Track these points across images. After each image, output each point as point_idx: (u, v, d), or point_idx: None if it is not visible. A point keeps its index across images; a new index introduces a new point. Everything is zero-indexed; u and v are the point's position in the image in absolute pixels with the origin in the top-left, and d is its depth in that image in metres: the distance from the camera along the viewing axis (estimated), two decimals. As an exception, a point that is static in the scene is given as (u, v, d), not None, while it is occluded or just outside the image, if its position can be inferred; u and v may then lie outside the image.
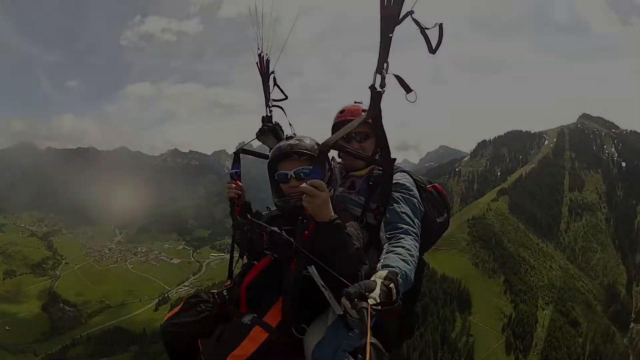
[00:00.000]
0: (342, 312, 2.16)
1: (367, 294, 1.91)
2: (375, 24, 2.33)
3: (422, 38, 2.37)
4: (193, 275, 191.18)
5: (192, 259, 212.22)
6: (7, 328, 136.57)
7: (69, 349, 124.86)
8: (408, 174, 3.15)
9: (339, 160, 3.46)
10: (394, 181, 2.94)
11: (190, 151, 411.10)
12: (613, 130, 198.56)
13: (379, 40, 2.34)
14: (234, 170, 3.37)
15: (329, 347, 2.45)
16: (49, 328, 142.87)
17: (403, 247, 2.51)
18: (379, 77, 2.40)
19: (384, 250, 2.53)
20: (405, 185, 2.97)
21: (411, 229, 2.68)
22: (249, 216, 3.03)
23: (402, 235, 2.61)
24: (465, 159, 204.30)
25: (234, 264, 3.14)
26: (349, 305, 1.90)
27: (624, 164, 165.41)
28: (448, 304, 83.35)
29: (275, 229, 2.57)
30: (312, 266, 2.27)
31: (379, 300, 1.89)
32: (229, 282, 3.05)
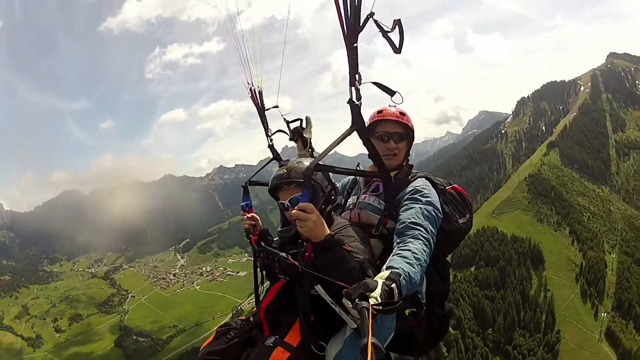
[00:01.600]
0: (355, 326, 2.42)
1: (367, 293, 2.00)
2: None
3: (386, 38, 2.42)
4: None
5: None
6: None
7: None
8: (427, 178, 3.31)
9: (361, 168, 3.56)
10: (411, 187, 3.16)
11: (235, 165, 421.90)
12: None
13: (346, 53, 2.36)
14: (244, 203, 3.63)
15: (348, 358, 2.60)
16: None
17: (409, 250, 2.59)
18: (353, 90, 2.45)
19: (392, 253, 2.66)
20: (421, 191, 3.10)
21: (422, 234, 2.77)
22: (262, 244, 3.30)
23: (411, 240, 2.72)
24: (509, 119, 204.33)
25: (259, 289, 3.50)
26: (350, 305, 2.00)
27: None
28: (522, 263, 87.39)
29: (283, 254, 2.82)
30: (318, 285, 2.46)
31: (379, 300, 2.00)
32: (255, 309, 3.37)
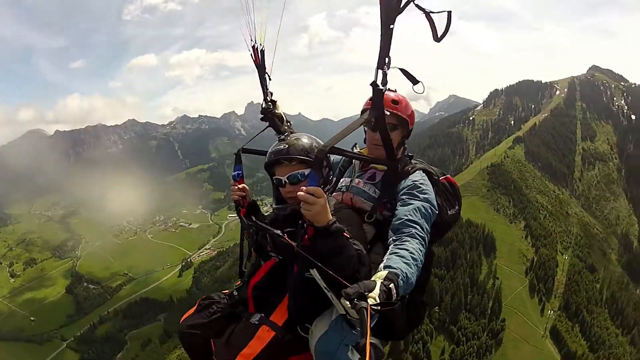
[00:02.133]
0: (345, 312, 2.26)
1: (366, 293, 1.97)
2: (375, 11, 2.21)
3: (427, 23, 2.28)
4: (213, 238, 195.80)
5: (211, 222, 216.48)
6: (32, 319, 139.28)
7: (97, 327, 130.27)
8: (424, 170, 3.18)
9: (358, 149, 3.45)
10: (409, 181, 3.04)
11: (199, 116, 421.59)
12: (622, 83, 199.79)
13: (380, 33, 2.24)
14: (235, 172, 3.31)
15: (332, 341, 2.55)
16: (74, 310, 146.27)
17: (407, 250, 2.54)
18: (380, 73, 2.35)
19: (388, 251, 2.58)
20: (419, 187, 2.99)
21: (418, 232, 2.70)
22: (253, 218, 3.06)
23: (408, 238, 2.64)
24: (479, 107, 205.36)
25: (243, 263, 3.27)
26: (349, 305, 1.96)
27: (633, 117, 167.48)
28: (475, 247, 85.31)
29: (278, 232, 2.64)
30: (314, 269, 2.34)
31: (378, 300, 1.96)
32: (239, 282, 3.19)
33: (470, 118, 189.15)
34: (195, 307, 3.11)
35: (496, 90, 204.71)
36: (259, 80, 3.62)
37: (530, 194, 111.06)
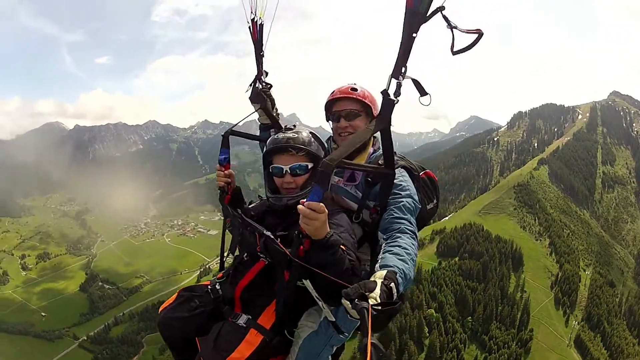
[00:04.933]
0: (334, 319, 2.52)
1: (367, 294, 1.99)
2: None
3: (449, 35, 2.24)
4: (231, 253, 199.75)
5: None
6: (42, 314, 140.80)
7: (112, 328, 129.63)
8: (404, 167, 3.24)
9: (334, 145, 3.46)
10: None
11: (220, 122, 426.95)
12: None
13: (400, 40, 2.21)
14: (222, 156, 3.34)
15: (320, 341, 2.73)
16: (88, 309, 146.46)
17: (400, 247, 2.58)
18: (394, 82, 2.31)
19: (381, 250, 2.63)
20: (399, 184, 3.03)
21: (407, 227, 2.79)
22: (239, 211, 3.11)
23: (398, 234, 2.72)
24: (502, 129, 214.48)
25: (225, 256, 3.35)
26: (349, 306, 1.97)
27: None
28: (504, 262, 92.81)
29: (269, 234, 2.63)
30: (308, 280, 2.40)
31: (379, 301, 1.97)
32: (220, 275, 3.22)
33: (495, 139, 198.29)
34: (174, 297, 3.13)
35: (520, 112, 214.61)
36: (254, 58, 3.59)
37: (555, 213, 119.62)
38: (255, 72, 3.63)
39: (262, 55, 3.56)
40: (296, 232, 2.35)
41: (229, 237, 3.34)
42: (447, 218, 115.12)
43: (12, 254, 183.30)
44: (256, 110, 3.68)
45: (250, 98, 3.62)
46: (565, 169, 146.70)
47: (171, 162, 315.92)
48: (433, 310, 79.42)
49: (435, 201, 3.47)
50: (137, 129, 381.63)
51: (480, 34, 2.20)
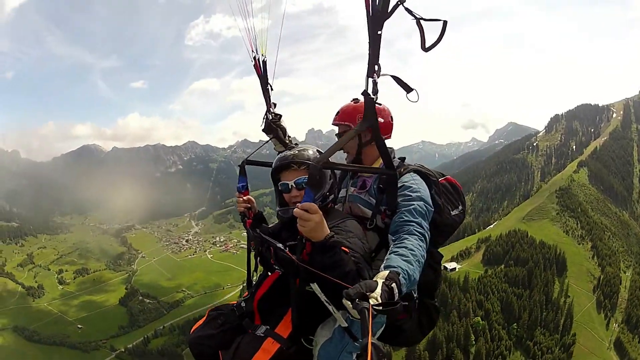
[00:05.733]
0: (346, 325, 2.49)
1: (368, 293, 2.01)
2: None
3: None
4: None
5: None
6: (79, 327, 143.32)
7: (151, 340, 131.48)
8: (417, 171, 3.27)
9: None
10: (400, 183, 3.10)
11: (260, 140, 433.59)
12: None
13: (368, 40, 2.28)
14: (240, 184, 3.56)
15: (335, 348, 2.70)
16: (128, 322, 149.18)
17: (406, 248, 2.60)
18: (371, 81, 2.40)
19: (389, 251, 2.65)
20: (410, 187, 3.08)
21: (415, 228, 2.80)
22: (258, 230, 3.22)
23: (406, 236, 2.74)
24: (541, 134, 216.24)
25: (251, 275, 3.38)
26: (350, 305, 2.00)
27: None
28: (548, 267, 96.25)
29: (280, 245, 2.75)
30: (315, 283, 2.41)
31: (380, 301, 2.00)
32: (247, 294, 3.33)
33: (534, 144, 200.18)
34: (204, 318, 3.27)
35: (556, 115, 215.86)
36: (261, 92, 3.80)
37: (596, 216, 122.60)
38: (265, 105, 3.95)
39: (269, 89, 3.87)
40: (298, 236, 2.50)
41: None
42: (492, 226, 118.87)
43: (49, 269, 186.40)
44: (270, 140, 4.04)
45: (263, 130, 3.99)
46: (604, 170, 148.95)
47: (212, 181, 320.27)
48: (479, 318, 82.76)
49: (460, 207, 3.45)
50: (176, 149, 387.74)
51: (444, 22, 2.35)
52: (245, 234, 3.49)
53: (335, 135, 3.60)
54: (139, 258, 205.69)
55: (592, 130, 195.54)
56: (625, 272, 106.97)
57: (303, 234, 2.42)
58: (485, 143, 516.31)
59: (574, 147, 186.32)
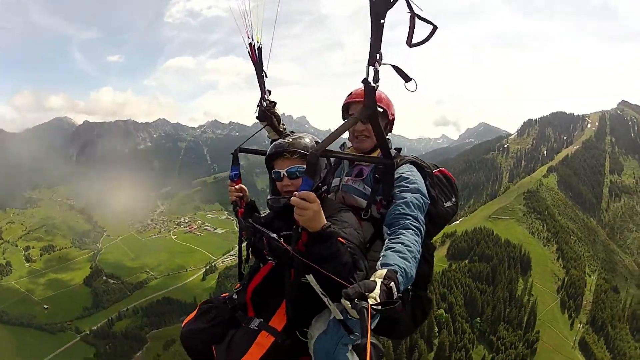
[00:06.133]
0: (342, 318, 2.48)
1: (367, 293, 1.99)
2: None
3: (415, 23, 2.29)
4: (246, 262, 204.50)
5: (237, 229, 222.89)
6: (45, 307, 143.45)
7: (115, 322, 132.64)
8: (413, 162, 3.28)
9: (348, 145, 3.55)
10: (396, 174, 3.09)
11: (230, 122, 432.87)
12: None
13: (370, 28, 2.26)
14: (233, 172, 3.48)
15: (330, 341, 2.68)
16: (92, 303, 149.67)
17: (402, 244, 2.58)
18: (372, 69, 2.36)
19: (384, 247, 2.65)
20: (407, 178, 3.07)
21: (411, 222, 2.78)
22: (250, 220, 3.12)
23: (402, 230, 2.72)
24: (512, 136, 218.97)
25: (242, 266, 3.34)
26: (349, 306, 1.97)
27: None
28: (513, 266, 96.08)
29: (274, 235, 2.68)
30: (311, 275, 2.38)
31: (379, 300, 1.98)
32: (238, 285, 3.26)
33: (505, 146, 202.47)
34: (195, 311, 3.24)
35: (530, 120, 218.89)
36: (256, 79, 3.73)
37: (562, 220, 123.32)
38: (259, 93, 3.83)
39: (264, 77, 3.76)
40: (294, 226, 2.44)
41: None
42: (457, 222, 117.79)
43: (17, 245, 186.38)
44: (264, 127, 3.93)
45: (257, 117, 3.86)
46: (573, 177, 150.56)
47: (179, 161, 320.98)
48: (443, 311, 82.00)
49: (454, 199, 3.46)
50: (147, 126, 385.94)
51: (434, 27, 2.32)
52: (236, 222, 3.55)
53: (353, 114, 3.35)
54: (104, 236, 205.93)
55: (564, 137, 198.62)
56: (590, 276, 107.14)
57: (300, 223, 2.37)
58: (456, 141, 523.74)
59: (545, 152, 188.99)
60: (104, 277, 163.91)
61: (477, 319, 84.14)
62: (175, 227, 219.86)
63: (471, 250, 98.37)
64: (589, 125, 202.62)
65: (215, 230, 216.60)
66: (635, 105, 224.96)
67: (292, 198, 2.31)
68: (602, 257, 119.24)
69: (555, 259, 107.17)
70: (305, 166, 2.59)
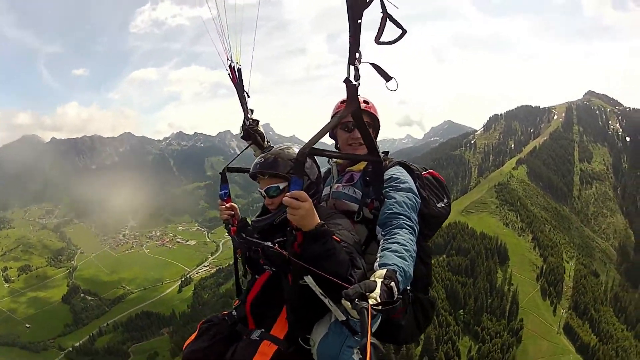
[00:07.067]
0: (344, 318, 2.49)
1: (367, 294, 2.01)
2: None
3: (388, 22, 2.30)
4: (211, 256, 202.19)
5: (208, 240, 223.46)
6: (27, 326, 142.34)
7: (97, 338, 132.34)
8: (402, 164, 3.34)
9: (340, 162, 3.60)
10: (386, 176, 3.13)
11: (195, 133, 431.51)
12: (617, 107, 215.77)
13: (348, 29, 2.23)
14: (222, 192, 3.52)
15: (334, 343, 2.66)
16: (72, 320, 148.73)
17: (398, 243, 2.61)
18: (352, 68, 2.35)
19: (380, 247, 2.68)
20: (397, 178, 3.12)
21: (405, 222, 2.80)
22: (243, 235, 3.13)
23: (396, 230, 2.75)
24: (479, 132, 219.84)
25: (240, 282, 3.37)
26: (350, 306, 2.00)
27: (628, 139, 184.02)
28: (490, 257, 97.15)
29: (268, 243, 2.71)
30: (309, 276, 2.40)
31: (379, 300, 2.00)
32: (237, 302, 3.27)
33: (472, 142, 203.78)
34: (196, 332, 3.19)
35: (495, 115, 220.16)
36: (238, 100, 3.72)
37: (535, 210, 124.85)
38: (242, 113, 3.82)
39: (246, 97, 3.75)
40: (288, 228, 2.46)
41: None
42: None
43: None
44: (249, 146, 3.90)
45: (242, 137, 3.85)
46: (543, 168, 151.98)
47: (147, 174, 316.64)
48: None
49: (446, 200, 3.48)
50: (112, 141, 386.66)
51: (403, 32, 2.34)
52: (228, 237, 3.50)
53: (348, 122, 3.43)
54: (78, 253, 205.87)
55: (531, 130, 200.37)
56: (568, 262, 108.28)
57: (293, 222, 2.40)
58: (421, 140, 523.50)
59: (513, 145, 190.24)
60: (82, 294, 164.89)
61: (461, 311, 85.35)
62: (148, 241, 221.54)
63: (447, 244, 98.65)
64: (555, 117, 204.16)
65: (187, 242, 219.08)
66: (602, 94, 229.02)
67: (284, 198, 2.35)
68: (579, 243, 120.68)
69: (532, 248, 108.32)
70: (280, 185, 2.83)
